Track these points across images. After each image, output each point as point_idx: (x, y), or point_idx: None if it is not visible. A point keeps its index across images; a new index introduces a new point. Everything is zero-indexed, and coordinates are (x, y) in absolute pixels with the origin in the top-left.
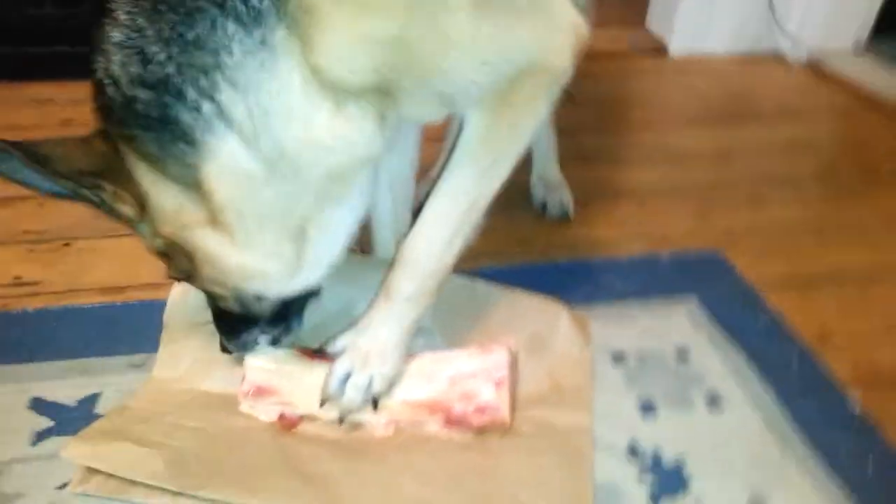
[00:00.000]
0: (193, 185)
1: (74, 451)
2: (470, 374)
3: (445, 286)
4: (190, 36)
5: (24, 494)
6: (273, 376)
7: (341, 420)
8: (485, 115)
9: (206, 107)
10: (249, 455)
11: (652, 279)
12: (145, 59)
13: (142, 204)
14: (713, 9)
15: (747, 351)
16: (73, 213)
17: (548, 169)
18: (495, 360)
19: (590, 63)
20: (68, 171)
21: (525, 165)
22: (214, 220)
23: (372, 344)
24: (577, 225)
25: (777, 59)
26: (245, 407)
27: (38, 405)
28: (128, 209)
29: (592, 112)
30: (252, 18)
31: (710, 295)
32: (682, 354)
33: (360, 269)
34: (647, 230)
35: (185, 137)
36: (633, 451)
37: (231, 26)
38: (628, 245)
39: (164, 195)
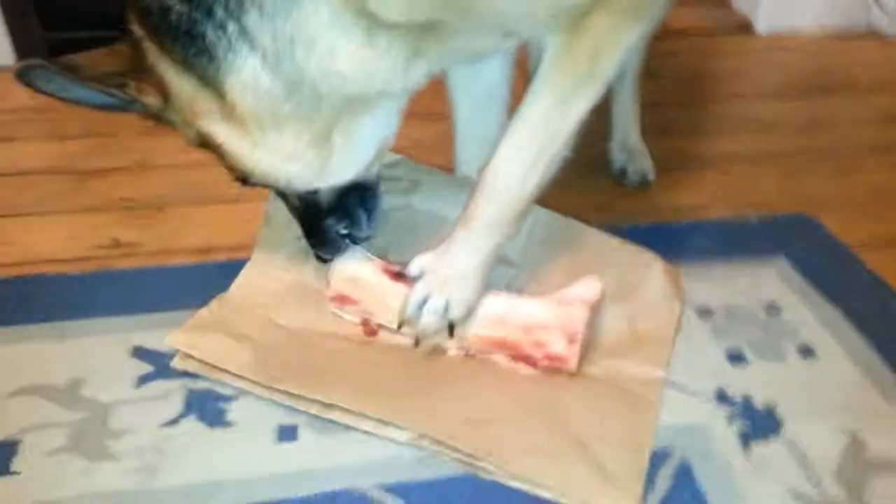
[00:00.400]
0: (215, 91)
1: (175, 339)
2: (544, 323)
3: (540, 220)
4: None
5: (130, 430)
6: (355, 288)
7: (416, 343)
8: (559, 41)
9: (231, 27)
10: (330, 358)
11: (739, 240)
12: None
13: (164, 94)
14: None
15: (841, 304)
16: (165, 183)
17: (629, 135)
18: (573, 315)
19: (672, 40)
20: (97, 74)
21: (604, 132)
22: (234, 118)
23: (450, 269)
24: (660, 192)
25: (872, 34)
26: (333, 308)
27: (139, 353)
28: (152, 100)
29: (675, 86)
30: None
31: (800, 253)
32: (772, 309)
33: (452, 189)
34: (732, 196)
35: (208, 53)
36: (723, 397)
37: None
38: (713, 210)
39: (183, 86)
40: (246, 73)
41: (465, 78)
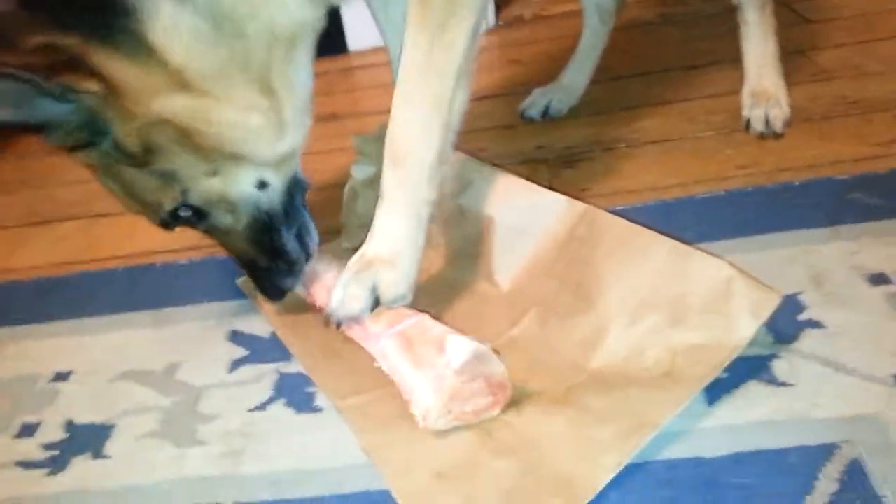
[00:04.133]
0: (148, 52)
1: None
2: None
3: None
4: None
5: (220, 415)
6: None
7: (326, 324)
8: None
9: None
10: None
11: None
12: None
13: (108, 91)
14: None
15: None
16: None
17: (753, 78)
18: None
19: None
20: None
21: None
22: (182, 83)
23: (376, 249)
24: (818, 141)
25: None
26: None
27: (236, 337)
28: (94, 86)
29: (829, 29)
30: None
31: None
32: None
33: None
34: None
35: (122, 7)
36: None
37: None
38: (885, 161)
39: (127, 72)
40: (164, 15)
41: (386, 13)
